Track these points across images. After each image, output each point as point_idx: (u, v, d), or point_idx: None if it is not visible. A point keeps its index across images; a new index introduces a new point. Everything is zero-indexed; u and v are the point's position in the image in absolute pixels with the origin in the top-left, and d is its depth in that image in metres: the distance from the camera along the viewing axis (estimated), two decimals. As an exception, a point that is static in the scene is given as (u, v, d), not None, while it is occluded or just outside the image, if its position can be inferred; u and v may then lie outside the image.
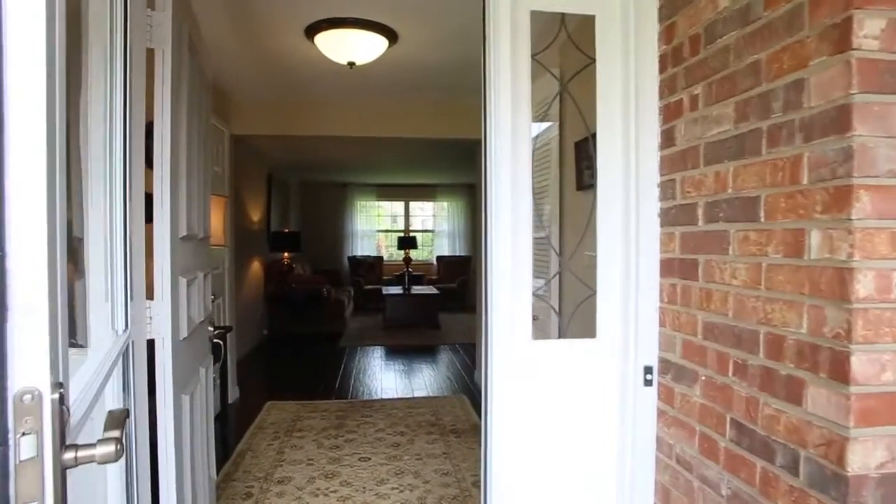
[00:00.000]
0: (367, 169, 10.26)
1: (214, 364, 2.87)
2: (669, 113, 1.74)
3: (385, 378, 6.05)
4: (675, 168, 1.72)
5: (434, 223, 12.67)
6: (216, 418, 4.21)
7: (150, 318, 1.77)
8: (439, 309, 9.39)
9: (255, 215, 7.92)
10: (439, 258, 12.22)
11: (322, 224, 12.08)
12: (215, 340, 2.78)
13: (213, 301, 2.83)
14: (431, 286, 10.68)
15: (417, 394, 5.44)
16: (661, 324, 1.78)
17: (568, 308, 1.95)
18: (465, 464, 3.67)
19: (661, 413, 1.79)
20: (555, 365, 1.84)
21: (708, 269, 1.56)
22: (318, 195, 12.11)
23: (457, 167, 9.71)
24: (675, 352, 1.71)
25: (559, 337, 1.92)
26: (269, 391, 5.55)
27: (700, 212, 1.60)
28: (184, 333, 1.95)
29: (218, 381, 4.00)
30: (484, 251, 1.80)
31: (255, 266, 7.88)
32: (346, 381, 5.91)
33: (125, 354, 1.45)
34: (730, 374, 1.47)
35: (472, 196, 12.22)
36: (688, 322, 1.65)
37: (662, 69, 1.78)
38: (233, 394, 5.06)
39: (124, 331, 1.48)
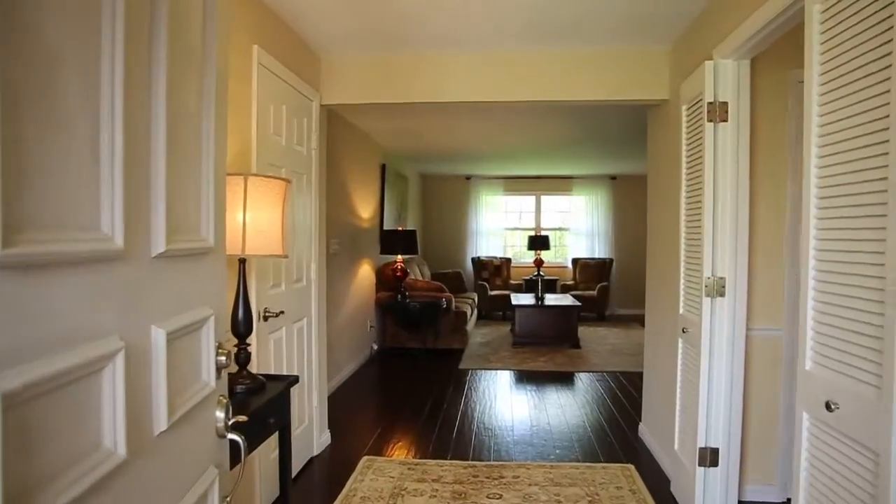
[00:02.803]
0: (493, 157, 8.85)
1: (233, 467, 1.63)
2: None
3: (517, 422, 4.63)
4: None
5: (569, 220, 11.00)
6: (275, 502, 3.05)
7: None
8: (578, 322, 7.81)
9: (365, 211, 6.83)
10: (575, 261, 10.55)
11: (443, 221, 10.91)
12: (231, 437, 1.53)
13: (233, 353, 1.57)
14: (567, 294, 9.10)
15: (561, 449, 3.97)
16: None
17: None
18: None
19: None
20: None
21: None
22: (439, 189, 10.96)
23: (601, 152, 8.03)
24: None
25: None
26: (369, 433, 4.35)
27: None
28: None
29: (276, 456, 2.80)
30: None
31: (365, 271, 6.80)
32: (465, 424, 4.57)
33: None
34: None
35: (614, 189, 10.46)
36: None
37: None
38: (319, 442, 3.91)
39: None
